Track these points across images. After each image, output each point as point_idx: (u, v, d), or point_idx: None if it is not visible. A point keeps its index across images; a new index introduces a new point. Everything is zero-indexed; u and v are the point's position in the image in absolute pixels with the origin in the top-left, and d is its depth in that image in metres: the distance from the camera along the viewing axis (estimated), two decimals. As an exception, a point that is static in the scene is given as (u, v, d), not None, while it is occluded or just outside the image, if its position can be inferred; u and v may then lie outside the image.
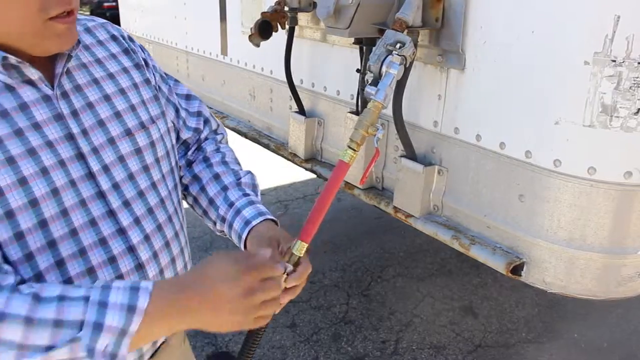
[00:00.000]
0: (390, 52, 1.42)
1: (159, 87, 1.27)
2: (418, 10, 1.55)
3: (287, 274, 1.05)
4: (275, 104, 2.61)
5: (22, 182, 0.94)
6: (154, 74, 1.26)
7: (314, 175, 2.37)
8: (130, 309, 0.88)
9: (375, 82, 1.37)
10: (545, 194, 1.44)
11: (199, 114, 1.39)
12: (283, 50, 2.21)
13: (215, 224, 1.31)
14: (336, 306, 3.63)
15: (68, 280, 1.00)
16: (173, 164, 1.25)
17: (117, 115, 1.11)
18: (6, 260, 0.94)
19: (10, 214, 0.93)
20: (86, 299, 0.88)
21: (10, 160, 0.94)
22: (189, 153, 1.37)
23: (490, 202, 1.59)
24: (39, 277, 0.97)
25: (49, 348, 0.85)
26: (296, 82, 2.27)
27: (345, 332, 3.39)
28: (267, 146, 2.62)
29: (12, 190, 0.93)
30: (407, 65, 1.48)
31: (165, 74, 1.35)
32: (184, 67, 3.37)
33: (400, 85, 1.63)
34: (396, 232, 4.56)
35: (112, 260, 1.05)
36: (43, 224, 0.96)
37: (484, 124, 1.57)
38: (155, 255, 1.13)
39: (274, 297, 0.99)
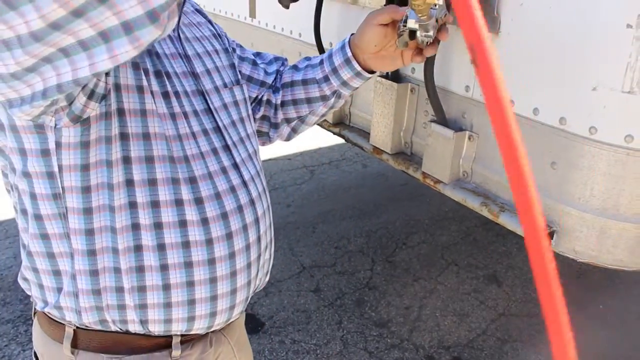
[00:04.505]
0: None
1: (233, 48, 1.40)
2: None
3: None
4: (304, 68, 2.57)
5: (172, 117, 1.10)
6: (228, 41, 1.40)
7: (341, 141, 2.36)
8: None
9: None
10: (579, 162, 1.41)
11: (276, 59, 1.49)
12: (313, 13, 2.18)
13: (323, 99, 1.39)
14: (360, 272, 3.65)
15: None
16: (253, 128, 1.36)
17: (217, 69, 1.26)
18: None
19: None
20: None
21: (166, 95, 1.09)
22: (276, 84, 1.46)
23: (522, 170, 1.56)
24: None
25: None
26: (325, 45, 2.24)
27: (369, 297, 3.42)
28: (294, 110, 2.60)
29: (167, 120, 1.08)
30: (439, 27, 1.45)
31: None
32: (211, 29, 3.34)
33: (433, 48, 1.59)
34: (422, 200, 4.55)
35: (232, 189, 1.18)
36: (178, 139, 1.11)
37: (518, 90, 1.53)
38: (261, 195, 1.26)
39: None
